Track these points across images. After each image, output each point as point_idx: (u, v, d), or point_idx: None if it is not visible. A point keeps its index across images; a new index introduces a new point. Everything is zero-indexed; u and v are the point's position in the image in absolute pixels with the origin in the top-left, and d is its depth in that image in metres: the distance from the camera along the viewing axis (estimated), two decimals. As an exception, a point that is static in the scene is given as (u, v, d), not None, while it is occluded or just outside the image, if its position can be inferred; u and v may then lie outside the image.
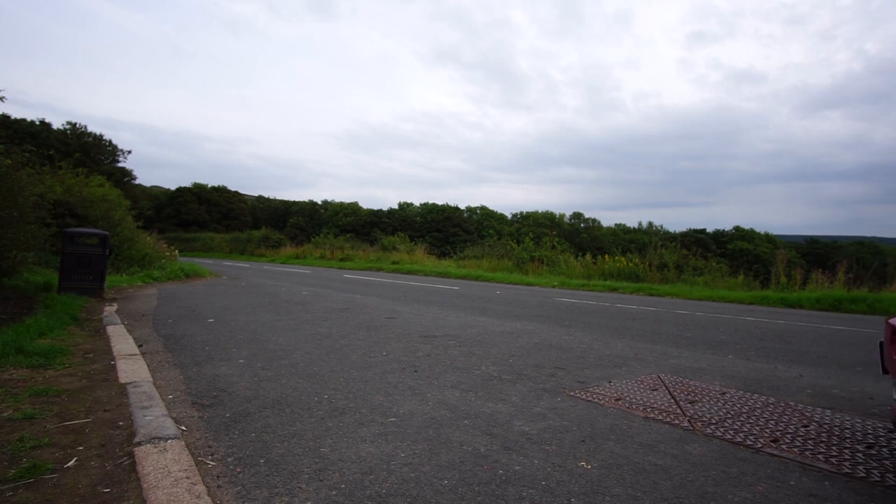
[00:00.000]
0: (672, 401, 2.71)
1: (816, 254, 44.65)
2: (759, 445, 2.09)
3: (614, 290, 11.27)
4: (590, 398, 2.73)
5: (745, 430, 2.27)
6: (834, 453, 2.02)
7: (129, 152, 41.94)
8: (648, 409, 2.55)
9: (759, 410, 2.57)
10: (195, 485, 1.58)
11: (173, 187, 58.13)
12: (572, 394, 2.81)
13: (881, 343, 2.01)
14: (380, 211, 54.39)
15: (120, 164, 40.61)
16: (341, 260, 23.06)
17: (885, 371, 2.01)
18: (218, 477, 1.71)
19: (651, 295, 10.44)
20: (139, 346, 3.82)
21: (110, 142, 40.69)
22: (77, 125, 39.42)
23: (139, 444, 1.89)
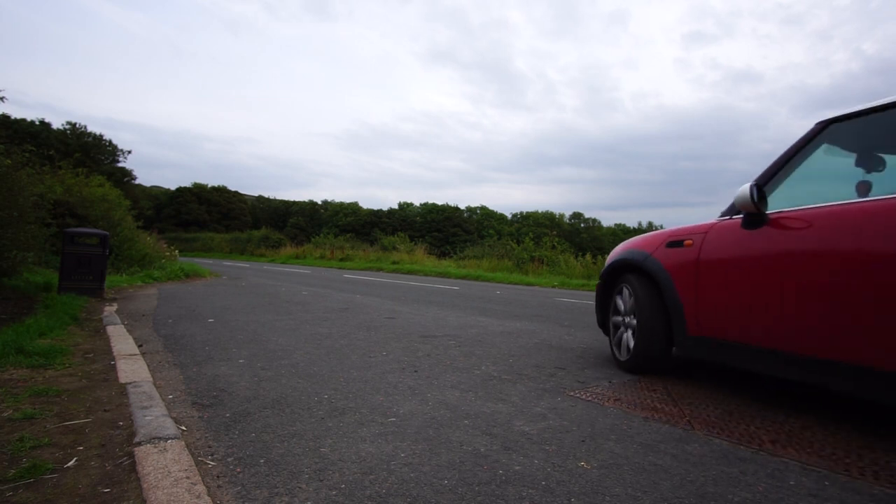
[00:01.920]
0: (672, 401, 2.71)
1: (816, 254, 44.59)
2: (759, 445, 2.08)
3: (614, 290, 11.26)
4: (590, 398, 2.73)
5: (746, 429, 2.27)
6: (834, 453, 2.02)
7: (129, 152, 42.08)
8: (648, 409, 2.55)
9: (759, 410, 2.57)
10: (195, 485, 1.58)
11: (173, 187, 58.18)
12: (572, 394, 2.81)
13: None
14: (380, 211, 54.44)
15: (120, 164, 40.68)
16: (341, 260, 23.07)
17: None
18: (218, 477, 1.71)
19: (651, 295, 10.43)
20: (139, 346, 3.82)
21: (110, 142, 40.76)
22: (77, 125, 39.51)
23: (139, 444, 1.89)
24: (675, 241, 3.06)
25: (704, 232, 2.90)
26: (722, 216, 2.87)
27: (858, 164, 2.60)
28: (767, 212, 2.56)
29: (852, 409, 2.66)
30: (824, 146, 2.64)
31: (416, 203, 58.49)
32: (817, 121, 2.64)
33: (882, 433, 2.27)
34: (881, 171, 2.54)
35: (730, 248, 2.70)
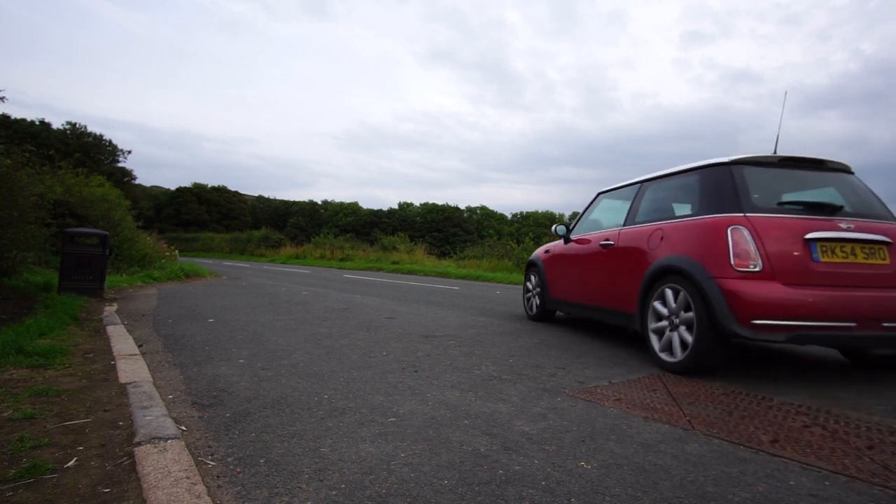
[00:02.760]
0: (672, 401, 2.71)
1: (816, 254, 44.51)
2: (759, 445, 2.09)
3: (614, 290, 11.24)
4: (590, 398, 2.73)
5: (746, 430, 2.28)
6: (834, 453, 2.02)
7: (129, 152, 42.02)
8: (648, 409, 2.55)
9: (759, 410, 2.57)
10: (195, 485, 1.59)
11: (173, 187, 58.12)
12: (572, 394, 2.81)
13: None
14: (380, 211, 54.45)
15: (120, 164, 40.63)
16: (341, 260, 23.07)
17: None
18: (218, 477, 1.71)
19: (651, 295, 10.42)
20: (139, 346, 3.82)
21: (110, 142, 40.73)
22: (77, 125, 39.48)
23: (139, 444, 1.89)
24: (546, 250, 5.67)
25: (554, 245, 5.52)
26: (564, 236, 5.25)
27: None
28: (571, 237, 5.13)
29: (851, 409, 2.66)
30: (611, 200, 4.95)
31: (416, 203, 58.49)
32: (597, 192, 5.17)
33: (882, 433, 2.27)
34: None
35: (558, 253, 5.33)
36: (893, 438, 2.20)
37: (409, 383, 2.95)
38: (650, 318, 3.56)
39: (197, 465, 1.76)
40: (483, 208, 64.68)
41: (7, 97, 6.59)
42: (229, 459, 1.85)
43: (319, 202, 60.90)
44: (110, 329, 4.44)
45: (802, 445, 2.10)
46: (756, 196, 3.21)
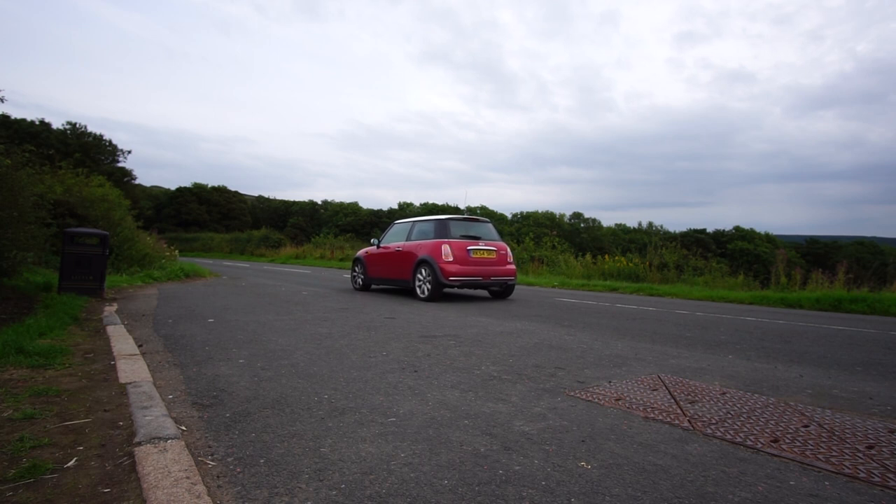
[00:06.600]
0: (672, 401, 2.71)
1: (816, 254, 44.60)
2: (760, 445, 2.09)
3: (614, 290, 11.27)
4: (590, 398, 2.73)
5: (746, 430, 2.28)
6: (834, 453, 2.02)
7: (129, 152, 41.79)
8: (648, 409, 2.55)
9: (759, 410, 2.58)
10: (195, 485, 1.59)
11: (170, 187, 57.96)
12: (572, 394, 2.81)
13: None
14: (380, 211, 54.42)
15: (120, 164, 40.49)
16: (341, 260, 23.05)
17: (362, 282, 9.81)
18: (218, 477, 1.71)
19: (651, 295, 10.44)
20: (139, 346, 3.82)
21: (110, 142, 40.59)
22: (77, 125, 39.38)
23: (139, 444, 1.89)
24: (365, 252, 9.63)
25: (369, 249, 9.57)
26: (377, 245, 9.29)
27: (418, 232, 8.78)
28: (380, 245, 9.23)
29: (851, 409, 2.66)
30: (400, 226, 9.24)
31: (416, 203, 58.49)
32: (394, 221, 9.79)
33: (882, 433, 2.27)
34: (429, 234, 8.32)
35: (373, 253, 9.37)
36: (893, 438, 2.20)
37: (409, 383, 2.95)
38: (416, 280, 8.00)
39: (197, 465, 1.76)
40: (483, 208, 64.65)
41: (6, 98, 6.59)
42: (229, 459, 1.85)
43: (319, 202, 60.90)
44: (110, 329, 4.44)
45: (802, 445, 2.10)
46: (453, 232, 7.98)
